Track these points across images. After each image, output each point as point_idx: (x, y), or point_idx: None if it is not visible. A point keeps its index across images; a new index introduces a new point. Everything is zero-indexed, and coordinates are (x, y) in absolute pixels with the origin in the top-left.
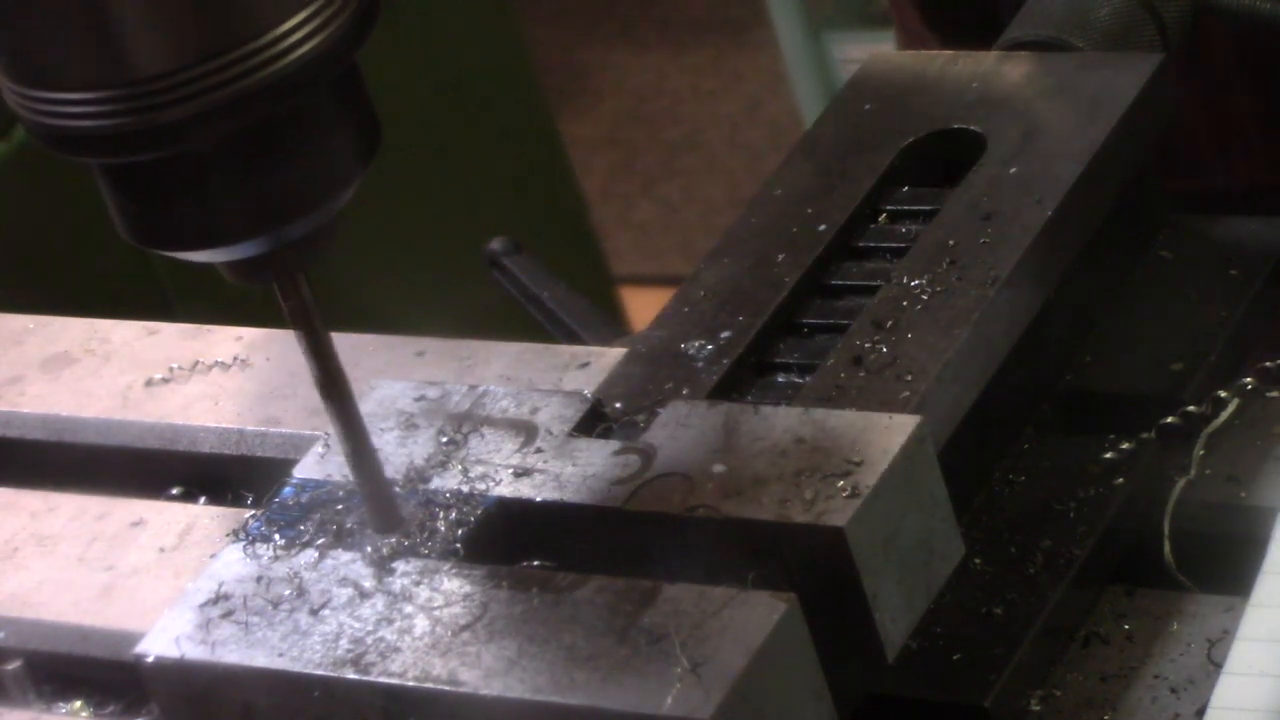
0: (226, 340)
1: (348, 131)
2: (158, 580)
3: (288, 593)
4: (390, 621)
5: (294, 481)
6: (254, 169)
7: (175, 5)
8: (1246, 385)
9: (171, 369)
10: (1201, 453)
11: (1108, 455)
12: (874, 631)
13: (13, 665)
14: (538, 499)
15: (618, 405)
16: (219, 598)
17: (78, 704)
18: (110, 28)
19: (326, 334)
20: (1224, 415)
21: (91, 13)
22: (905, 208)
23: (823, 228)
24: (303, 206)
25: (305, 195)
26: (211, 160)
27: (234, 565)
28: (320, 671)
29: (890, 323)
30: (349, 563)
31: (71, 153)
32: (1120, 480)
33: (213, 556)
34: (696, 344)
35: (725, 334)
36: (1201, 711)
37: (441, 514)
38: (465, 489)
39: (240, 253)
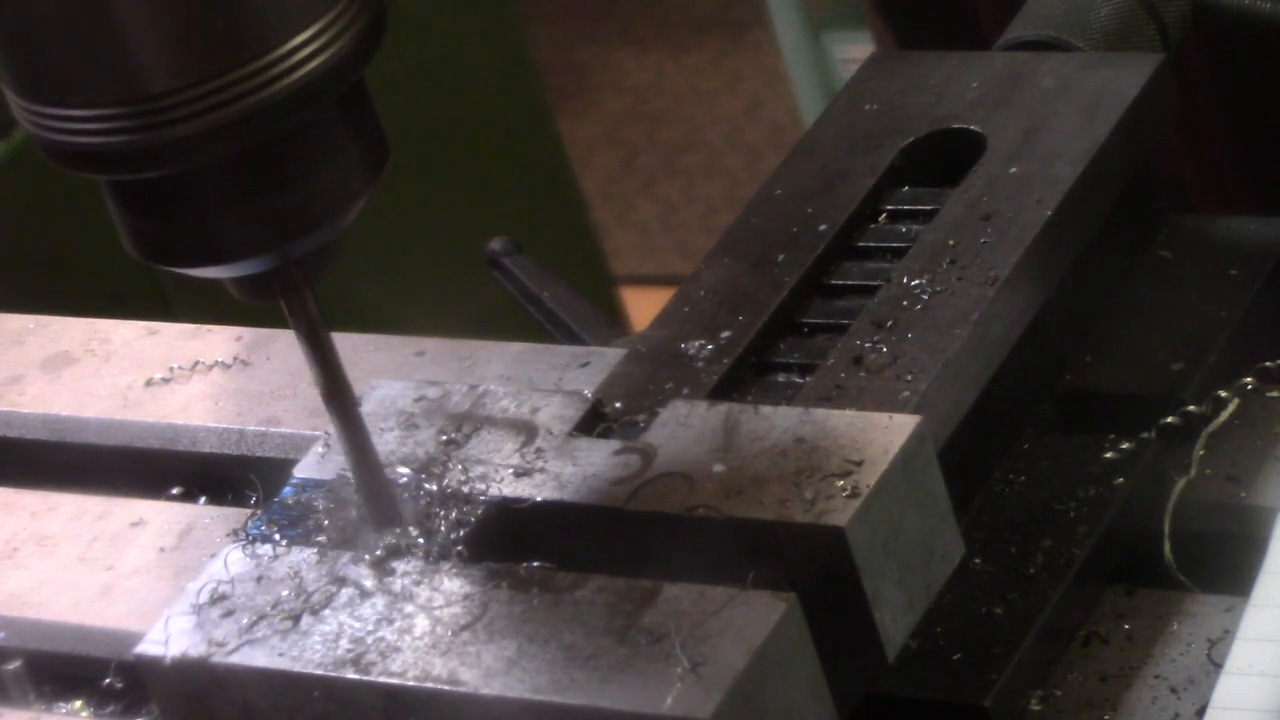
0: (226, 340)
1: (354, 147)
2: (158, 580)
3: (287, 593)
4: (390, 621)
5: (294, 481)
6: (261, 186)
7: (182, 23)
8: (1246, 385)
9: (171, 369)
10: (1201, 453)
11: (1108, 455)
12: (874, 631)
13: (13, 665)
14: (538, 499)
15: (618, 405)
16: (219, 598)
17: (78, 704)
18: (117, 45)
19: (332, 347)
20: (1224, 415)
21: (98, 30)
22: (905, 208)
23: (823, 228)
24: (310, 223)
25: (312, 212)
26: (218, 177)
27: (234, 565)
28: (320, 671)
29: (890, 323)
30: (349, 563)
31: (79, 169)
32: (1120, 480)
33: (213, 556)
34: (696, 344)
35: (725, 334)
36: (1201, 711)
37: (441, 514)
38: (465, 489)
39: (247, 269)
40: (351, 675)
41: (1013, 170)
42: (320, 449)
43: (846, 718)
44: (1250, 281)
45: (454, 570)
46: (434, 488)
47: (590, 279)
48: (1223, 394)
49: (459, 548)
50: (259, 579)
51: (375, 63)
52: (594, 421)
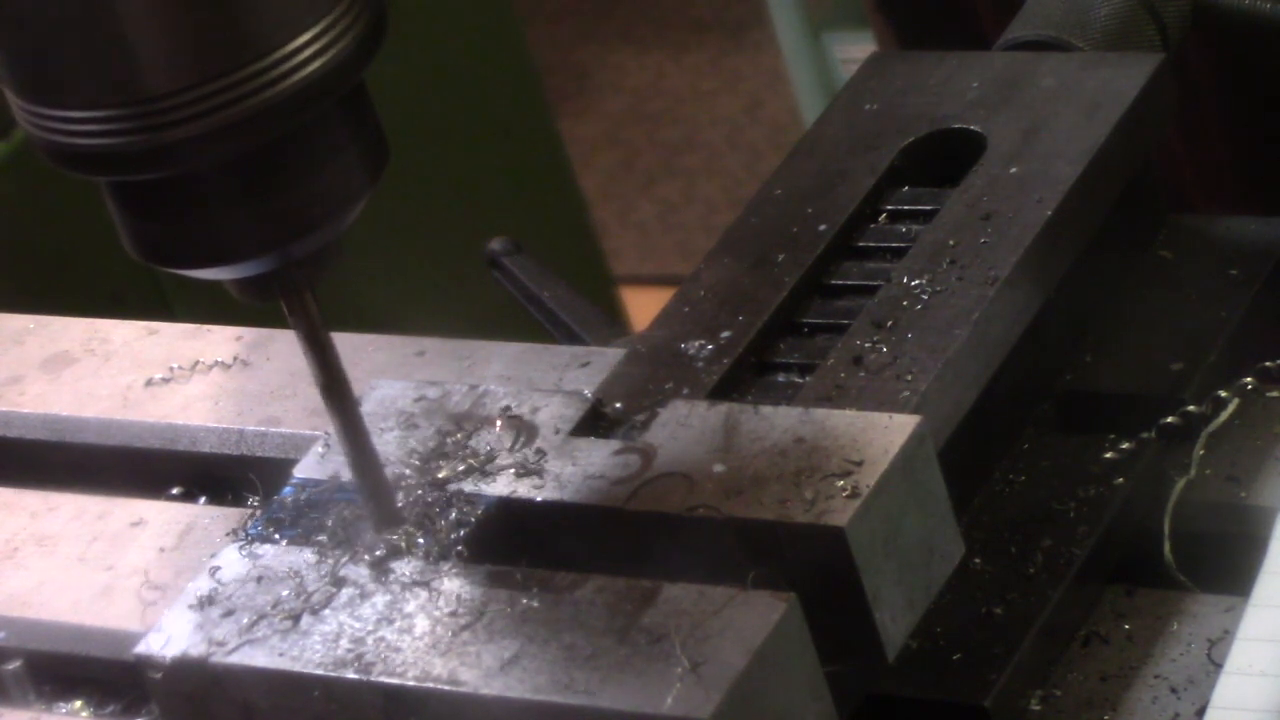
0: (226, 340)
1: (355, 149)
2: (158, 580)
3: (287, 593)
4: (390, 621)
5: (294, 481)
6: (261, 187)
7: (183, 24)
8: (1246, 385)
9: (171, 369)
10: (1201, 453)
11: (1108, 455)
12: (874, 631)
13: (13, 665)
14: (538, 499)
15: (618, 405)
16: (219, 598)
17: (78, 704)
18: (118, 46)
19: (332, 347)
20: (1224, 415)
21: (99, 32)
22: (905, 208)
23: (823, 228)
24: (310, 224)
25: (312, 213)
26: (219, 179)
27: (233, 565)
28: (320, 671)
29: (890, 323)
30: (349, 563)
31: (80, 170)
32: (1120, 480)
33: (213, 556)
34: (696, 344)
35: (725, 334)
36: (1201, 711)
37: (441, 514)
38: (465, 489)
39: (248, 270)
40: (351, 675)
41: (1013, 170)
42: (320, 449)
43: (846, 718)
44: (1250, 281)
45: (454, 570)
46: (434, 488)
47: (590, 279)
48: (1223, 394)
49: (459, 548)
50: (259, 579)
51: (375, 63)
52: (594, 421)
